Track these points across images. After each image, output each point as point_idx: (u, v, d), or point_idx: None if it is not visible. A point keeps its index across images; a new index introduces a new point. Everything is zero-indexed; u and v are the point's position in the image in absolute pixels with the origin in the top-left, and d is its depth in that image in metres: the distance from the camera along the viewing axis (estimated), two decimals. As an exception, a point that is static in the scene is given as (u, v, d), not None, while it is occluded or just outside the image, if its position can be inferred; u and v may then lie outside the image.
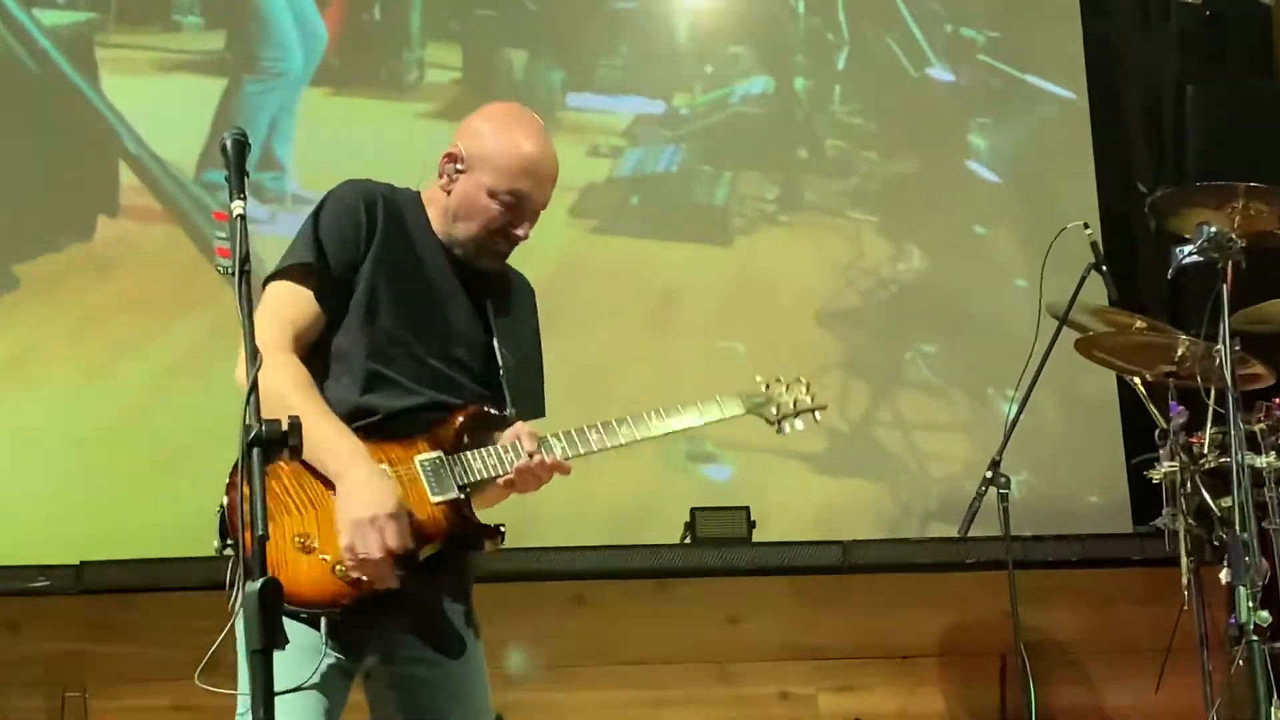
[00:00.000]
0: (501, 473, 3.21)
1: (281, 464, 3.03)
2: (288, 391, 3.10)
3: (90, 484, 5.85)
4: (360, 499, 3.03)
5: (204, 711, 5.17)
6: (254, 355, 2.62)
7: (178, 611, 5.30)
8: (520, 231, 3.35)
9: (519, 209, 3.33)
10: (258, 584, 2.48)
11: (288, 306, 3.22)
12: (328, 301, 3.24)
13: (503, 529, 3.21)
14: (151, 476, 5.86)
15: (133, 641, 5.46)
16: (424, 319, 3.32)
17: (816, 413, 3.53)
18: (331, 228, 3.26)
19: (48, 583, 5.44)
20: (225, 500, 3.00)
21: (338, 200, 3.30)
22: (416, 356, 3.29)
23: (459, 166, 3.36)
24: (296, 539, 3.05)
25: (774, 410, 3.50)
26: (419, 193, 3.42)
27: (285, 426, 2.57)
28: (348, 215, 3.27)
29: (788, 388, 3.53)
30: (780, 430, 3.51)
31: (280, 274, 3.26)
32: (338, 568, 3.04)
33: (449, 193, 3.37)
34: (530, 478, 3.22)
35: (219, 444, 2.93)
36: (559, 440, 3.27)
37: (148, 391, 5.98)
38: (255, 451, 2.56)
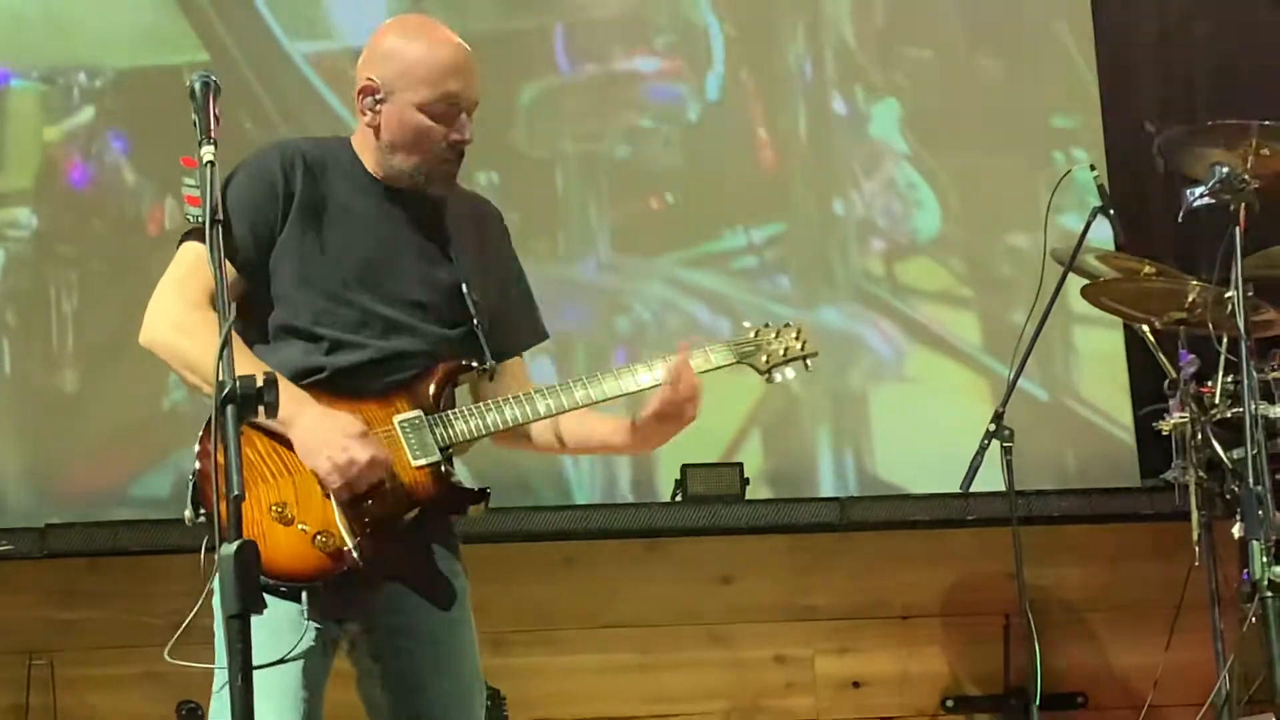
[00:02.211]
0: (485, 431, 3.12)
1: (252, 430, 2.94)
2: (189, 348, 3.01)
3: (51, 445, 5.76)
4: (324, 427, 2.98)
5: (176, 678, 5.13)
6: (226, 310, 2.54)
7: (149, 576, 5.24)
8: (465, 135, 3.19)
9: (454, 114, 3.18)
10: (233, 546, 2.40)
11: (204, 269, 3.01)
12: (245, 271, 3.10)
13: (489, 492, 3.10)
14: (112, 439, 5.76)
15: (102, 607, 5.38)
16: (367, 269, 3.18)
17: (808, 360, 3.33)
18: (244, 198, 3.09)
19: (10, 546, 5.33)
20: (197, 466, 2.92)
21: (249, 168, 3.15)
22: (362, 308, 3.15)
23: (378, 97, 3.19)
24: (273, 509, 2.96)
25: (764, 359, 3.30)
26: (348, 139, 3.27)
27: (260, 383, 2.47)
28: (261, 183, 3.12)
29: (777, 334, 3.32)
30: (770, 379, 3.31)
31: (196, 234, 3.06)
32: (318, 538, 2.94)
33: (376, 129, 3.20)
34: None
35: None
36: (543, 397, 3.17)
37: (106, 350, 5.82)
38: (229, 409, 2.46)
